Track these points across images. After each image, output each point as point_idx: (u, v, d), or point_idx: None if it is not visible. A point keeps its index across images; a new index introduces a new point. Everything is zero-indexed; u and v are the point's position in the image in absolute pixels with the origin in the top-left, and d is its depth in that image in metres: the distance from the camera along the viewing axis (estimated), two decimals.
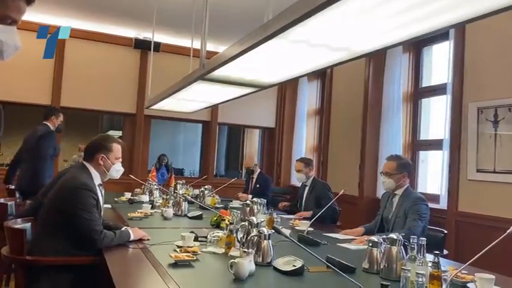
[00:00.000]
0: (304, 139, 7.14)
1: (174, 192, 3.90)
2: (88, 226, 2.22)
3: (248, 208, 3.31)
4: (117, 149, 2.59)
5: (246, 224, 2.19)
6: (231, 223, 2.28)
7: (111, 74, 6.58)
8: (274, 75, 2.77)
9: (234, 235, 2.20)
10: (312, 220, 3.06)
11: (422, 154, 5.30)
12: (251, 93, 3.32)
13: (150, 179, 4.79)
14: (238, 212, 2.71)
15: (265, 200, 3.45)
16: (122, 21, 6.07)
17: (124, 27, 6.32)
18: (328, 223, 3.79)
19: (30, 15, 5.87)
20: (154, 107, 4.66)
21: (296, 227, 3.18)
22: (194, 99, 3.86)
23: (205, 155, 7.31)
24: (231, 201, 4.56)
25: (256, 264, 1.99)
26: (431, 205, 4.53)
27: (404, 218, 2.89)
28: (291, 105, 7.43)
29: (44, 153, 4.37)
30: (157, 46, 6.61)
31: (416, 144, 5.26)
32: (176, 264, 1.93)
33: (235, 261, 1.77)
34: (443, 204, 4.37)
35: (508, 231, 1.66)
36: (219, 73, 2.72)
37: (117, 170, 2.57)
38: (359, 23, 1.75)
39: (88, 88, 6.44)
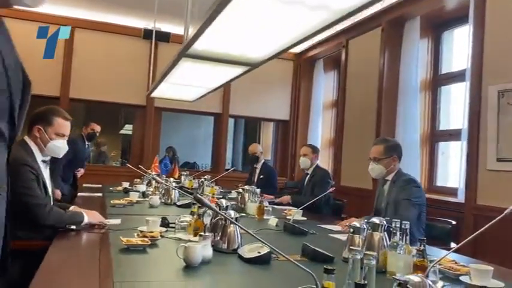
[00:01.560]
0: (319, 132, 6.87)
1: (166, 180, 3.70)
2: (28, 201, 2.04)
3: (240, 196, 3.09)
4: (60, 124, 2.34)
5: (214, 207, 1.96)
6: (199, 207, 2.06)
7: (121, 65, 6.48)
8: (258, 50, 2.53)
9: (202, 220, 1.98)
10: (302, 207, 2.80)
11: (442, 145, 4.96)
12: (242, 74, 3.08)
13: (151, 170, 4.63)
14: (209, 195, 2.49)
15: (258, 189, 3.22)
16: (130, 11, 5.95)
17: (133, 17, 6.21)
18: (324, 213, 3.54)
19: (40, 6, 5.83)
20: (154, 94, 4.50)
21: (288, 217, 2.93)
22: (188, 83, 3.67)
23: (216, 148, 7.13)
24: (231, 192, 4.35)
25: (220, 251, 1.76)
26: (449, 199, 4.25)
27: (395, 205, 2.59)
28: (306, 97, 7.16)
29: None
30: (167, 36, 6.48)
31: (436, 135, 4.92)
32: (128, 250, 1.72)
33: (186, 245, 1.55)
34: (461, 198, 4.04)
35: (501, 215, 1.39)
36: (200, 47, 2.51)
37: (57, 146, 2.32)
38: None
39: (97, 80, 6.35)
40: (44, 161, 2.28)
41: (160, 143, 7.13)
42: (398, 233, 1.51)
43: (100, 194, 3.64)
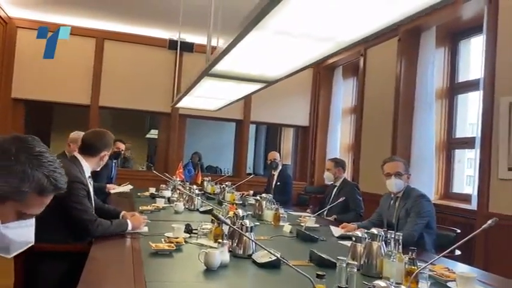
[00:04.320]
0: (338, 138, 7.02)
1: (189, 188, 3.96)
2: (81, 216, 2.31)
3: (257, 203, 3.32)
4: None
5: (232, 216, 2.20)
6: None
7: (147, 75, 6.79)
8: (276, 69, 2.75)
9: (221, 227, 2.22)
10: (315, 214, 3.01)
11: (459, 153, 5.06)
12: (261, 89, 3.31)
13: (175, 176, 4.90)
14: (228, 204, 2.72)
15: (271, 196, 3.44)
16: (156, 23, 6.25)
17: (159, 29, 6.51)
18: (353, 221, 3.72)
19: (71, 20, 6.18)
20: (180, 104, 4.77)
21: (302, 224, 3.14)
22: (210, 96, 3.92)
23: (238, 153, 7.37)
24: (250, 198, 4.58)
25: (237, 256, 2.00)
26: (463, 206, 4.37)
27: (407, 218, 2.78)
28: (325, 104, 7.33)
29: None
30: (191, 47, 6.76)
31: (452, 143, 5.03)
32: (156, 254, 1.98)
33: (206, 251, 1.79)
34: (474, 205, 4.16)
35: (487, 223, 1.57)
36: (222, 68, 2.75)
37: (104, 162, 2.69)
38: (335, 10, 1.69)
39: (125, 88, 6.68)
40: (89, 176, 2.57)
41: (184, 147, 7.42)
42: (392, 243, 1.71)
43: (131, 187, 3.85)
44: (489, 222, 1.57)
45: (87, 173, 2.54)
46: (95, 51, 6.59)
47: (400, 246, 1.70)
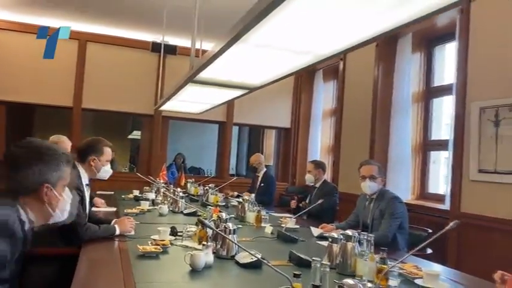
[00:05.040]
0: (319, 139, 7.18)
1: (173, 190, 4.05)
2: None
3: (240, 206, 3.43)
4: (108, 152, 2.80)
5: (216, 219, 2.31)
6: (204, 218, 2.40)
7: (130, 77, 6.83)
8: (257, 78, 2.87)
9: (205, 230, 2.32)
10: (296, 216, 3.15)
11: (434, 154, 5.26)
12: (243, 94, 3.43)
13: (159, 178, 4.97)
14: (211, 207, 2.83)
15: (253, 196, 3.57)
16: (139, 26, 6.30)
17: (141, 31, 6.56)
18: (326, 220, 3.86)
19: (53, 21, 6.19)
20: (163, 108, 4.84)
21: (282, 225, 3.26)
22: (194, 101, 4.02)
23: (221, 154, 7.46)
24: (233, 200, 4.68)
25: (221, 257, 2.11)
26: (437, 206, 4.55)
27: (381, 219, 2.94)
28: (306, 106, 7.48)
29: None
30: (174, 49, 6.83)
31: (428, 145, 5.22)
32: (143, 256, 2.07)
33: (192, 253, 1.90)
34: (447, 205, 4.34)
35: (449, 225, 1.71)
36: (205, 75, 2.85)
37: (106, 171, 2.78)
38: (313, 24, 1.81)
39: (108, 90, 6.70)
40: (87, 184, 2.65)
41: (167, 148, 7.47)
42: (365, 244, 1.85)
43: (115, 209, 3.88)
44: (451, 224, 1.72)
45: (85, 181, 2.64)
46: (78, 53, 6.61)
47: (373, 247, 1.84)
